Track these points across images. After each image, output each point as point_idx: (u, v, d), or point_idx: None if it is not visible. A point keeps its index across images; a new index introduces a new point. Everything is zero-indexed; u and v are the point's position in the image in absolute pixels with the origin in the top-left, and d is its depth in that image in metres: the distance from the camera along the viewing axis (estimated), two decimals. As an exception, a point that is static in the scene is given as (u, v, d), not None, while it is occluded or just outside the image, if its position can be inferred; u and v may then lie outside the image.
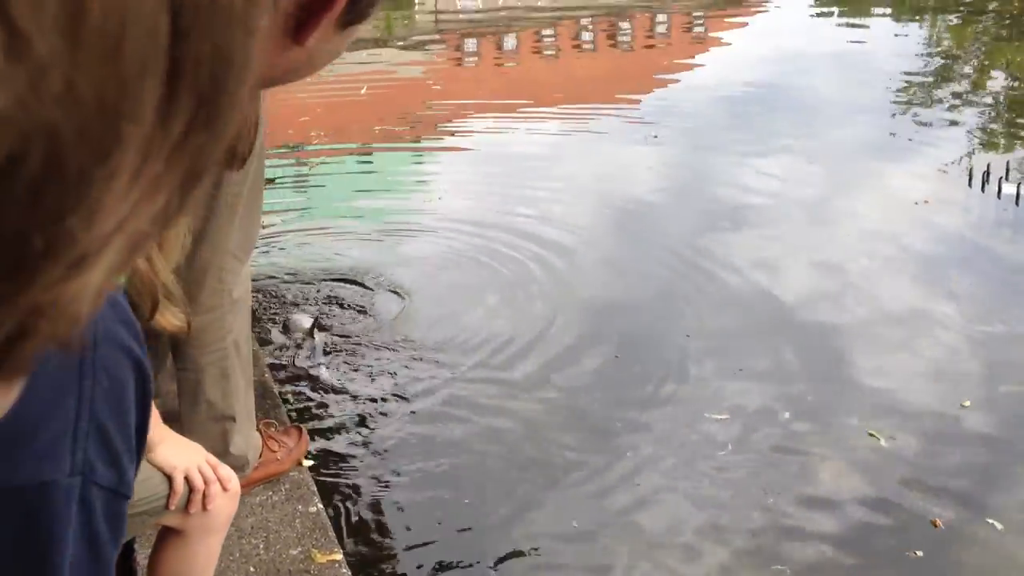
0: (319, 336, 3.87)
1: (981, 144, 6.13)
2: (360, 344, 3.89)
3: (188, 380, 2.40)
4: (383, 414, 3.42)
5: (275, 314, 4.10)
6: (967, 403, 3.44)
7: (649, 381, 3.64)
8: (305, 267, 4.57)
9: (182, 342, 2.35)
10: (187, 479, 1.70)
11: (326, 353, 3.79)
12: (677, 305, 4.21)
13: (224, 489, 1.74)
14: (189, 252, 2.21)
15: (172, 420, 2.46)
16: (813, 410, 3.43)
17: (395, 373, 3.69)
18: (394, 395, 3.54)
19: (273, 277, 4.46)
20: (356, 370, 3.69)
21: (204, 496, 1.71)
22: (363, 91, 7.86)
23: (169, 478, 1.69)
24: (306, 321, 3.92)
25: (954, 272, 4.43)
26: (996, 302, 4.16)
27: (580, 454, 3.21)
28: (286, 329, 3.95)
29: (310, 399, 3.50)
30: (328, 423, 3.35)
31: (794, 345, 3.84)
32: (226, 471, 1.78)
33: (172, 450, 1.71)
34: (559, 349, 3.88)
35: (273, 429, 2.66)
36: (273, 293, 4.29)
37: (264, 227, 4.36)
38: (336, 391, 3.53)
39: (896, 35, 9.68)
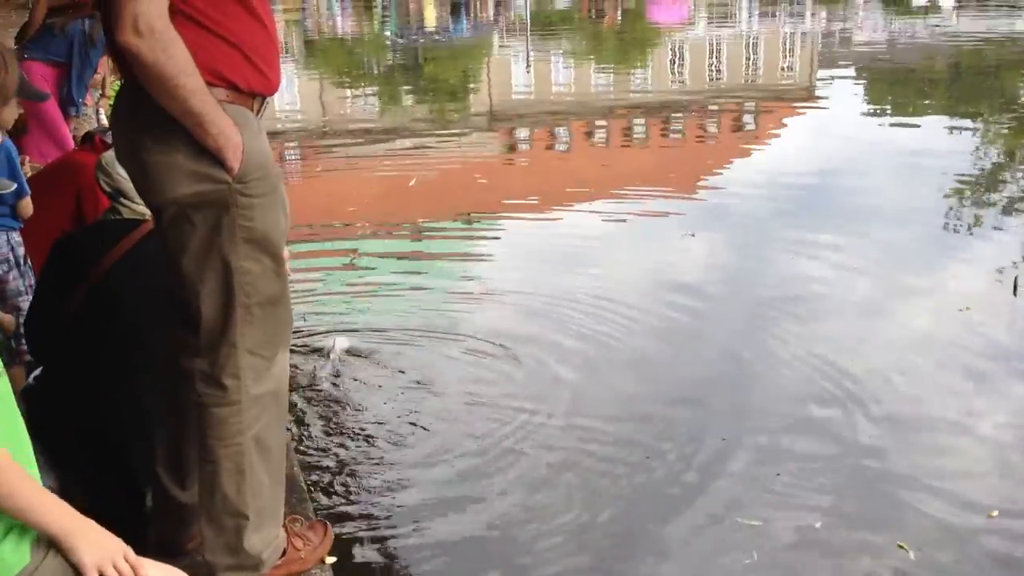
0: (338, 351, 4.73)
1: (1029, 252, 6.08)
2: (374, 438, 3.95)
3: (206, 471, 2.38)
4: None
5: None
6: (995, 513, 3.41)
7: (679, 482, 3.65)
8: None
9: (205, 433, 2.35)
10: None
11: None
12: (713, 405, 4.22)
13: None
14: (212, 341, 2.30)
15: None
16: (845, 519, 3.40)
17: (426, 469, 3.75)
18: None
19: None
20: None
21: None
22: (412, 183, 8.04)
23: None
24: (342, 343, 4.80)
25: (990, 382, 4.38)
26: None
27: (604, 559, 3.21)
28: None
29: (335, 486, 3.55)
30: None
31: (832, 451, 3.82)
32: (158, 571, 1.68)
33: (85, 542, 1.63)
34: (587, 443, 3.92)
35: (298, 525, 2.68)
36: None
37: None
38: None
39: (949, 135, 9.67)
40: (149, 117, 2.16)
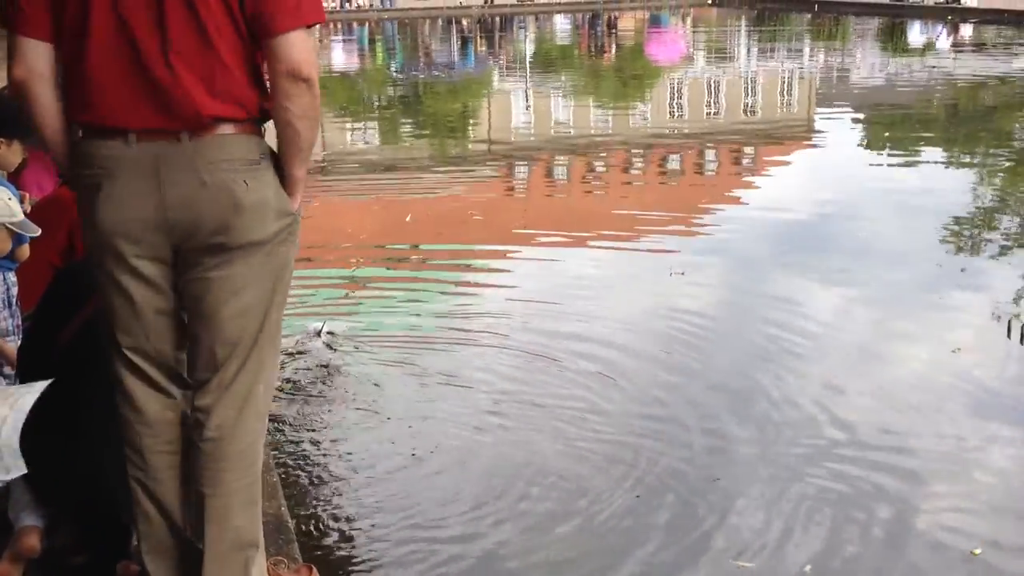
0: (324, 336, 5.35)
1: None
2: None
3: (216, 506, 2.33)
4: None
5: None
6: (978, 551, 3.44)
7: (669, 522, 3.65)
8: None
9: (213, 468, 2.33)
10: None
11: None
12: (705, 446, 4.22)
13: None
14: (231, 380, 2.31)
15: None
16: (836, 562, 3.41)
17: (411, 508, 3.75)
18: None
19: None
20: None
21: None
22: (408, 219, 8.09)
23: None
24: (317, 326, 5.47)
25: (979, 424, 4.38)
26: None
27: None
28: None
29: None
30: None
31: (820, 493, 3.82)
32: None
33: None
34: (575, 484, 3.91)
35: (283, 567, 2.68)
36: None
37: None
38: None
39: (945, 175, 9.72)
40: (241, 158, 2.20)
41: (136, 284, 2.24)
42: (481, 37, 28.13)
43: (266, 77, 2.23)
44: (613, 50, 24.64)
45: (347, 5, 33.38)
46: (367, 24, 31.62)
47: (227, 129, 2.18)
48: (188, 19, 2.11)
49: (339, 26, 30.95)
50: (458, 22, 31.84)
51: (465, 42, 27.02)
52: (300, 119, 2.20)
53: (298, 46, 2.14)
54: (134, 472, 2.38)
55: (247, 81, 2.19)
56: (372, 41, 27.80)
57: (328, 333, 5.47)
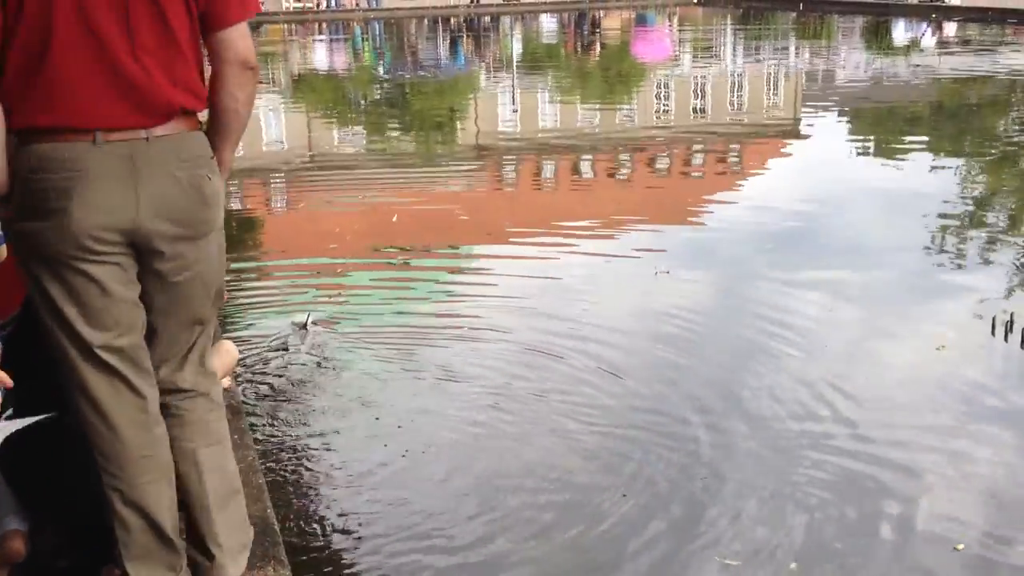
0: (311, 329, 5.47)
1: (1009, 291, 6.12)
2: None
3: (214, 455, 2.49)
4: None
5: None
6: (960, 547, 3.48)
7: (659, 517, 3.67)
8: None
9: (202, 422, 2.48)
10: None
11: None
12: (693, 443, 4.24)
13: None
14: (191, 348, 2.45)
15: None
16: (820, 558, 3.43)
17: (401, 508, 3.74)
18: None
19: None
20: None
21: None
22: (395, 219, 8.08)
23: None
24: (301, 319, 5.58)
25: (963, 421, 4.41)
26: (1008, 454, 4.13)
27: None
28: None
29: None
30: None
31: (806, 489, 3.85)
32: None
33: None
34: (565, 481, 3.93)
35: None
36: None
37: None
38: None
39: (931, 173, 9.75)
40: (203, 154, 2.31)
41: (111, 277, 2.25)
42: (468, 37, 28.11)
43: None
44: (599, 49, 24.65)
45: (332, 4, 33.32)
46: (353, 23, 31.54)
47: (183, 125, 2.25)
48: (153, 14, 2.16)
49: (325, 26, 30.88)
50: (445, 21, 31.81)
51: (452, 42, 27.01)
52: (244, 106, 2.34)
53: (246, 37, 2.29)
54: (110, 481, 2.36)
55: (199, 73, 2.28)
56: (359, 40, 27.73)
57: (313, 323, 5.56)
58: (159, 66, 2.18)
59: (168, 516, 2.42)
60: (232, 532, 2.52)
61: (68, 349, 2.28)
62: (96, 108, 2.15)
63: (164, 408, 2.43)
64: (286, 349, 5.28)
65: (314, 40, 28.04)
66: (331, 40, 27.81)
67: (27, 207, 2.19)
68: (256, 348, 5.33)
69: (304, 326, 5.54)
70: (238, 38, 2.26)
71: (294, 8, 33.73)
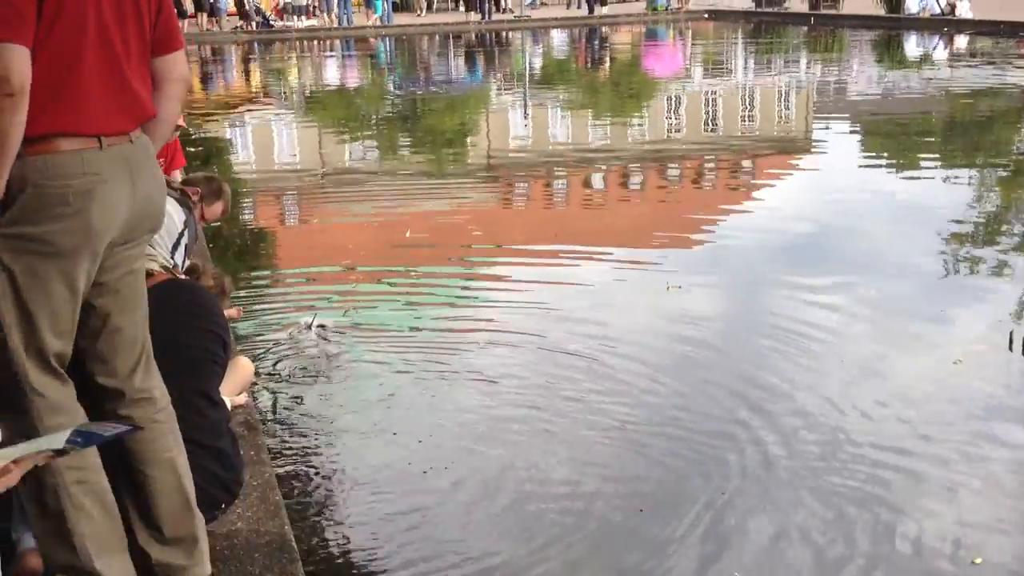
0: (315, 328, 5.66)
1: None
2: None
3: (185, 463, 2.67)
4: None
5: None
6: (978, 560, 3.46)
7: (675, 535, 3.65)
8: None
9: (173, 431, 2.63)
10: None
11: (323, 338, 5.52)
12: (712, 460, 4.22)
13: None
14: (147, 351, 2.58)
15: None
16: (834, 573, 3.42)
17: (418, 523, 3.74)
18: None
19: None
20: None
21: None
22: (408, 234, 8.09)
23: None
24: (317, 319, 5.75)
25: (981, 434, 4.39)
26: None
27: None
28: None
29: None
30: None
31: (822, 500, 3.84)
32: None
33: None
34: (581, 493, 3.94)
35: None
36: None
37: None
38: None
39: (944, 186, 9.72)
40: (153, 151, 2.54)
41: (85, 281, 2.36)
42: (479, 52, 28.19)
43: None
44: (610, 64, 24.69)
45: (344, 22, 33.44)
46: (373, 40, 31.68)
47: (141, 129, 2.47)
48: (140, 30, 2.42)
49: (337, 43, 31.02)
50: (456, 38, 31.92)
51: (463, 57, 27.08)
52: (177, 116, 2.77)
53: (185, 59, 2.67)
54: (73, 475, 2.39)
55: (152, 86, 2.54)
56: (381, 56, 27.86)
57: (319, 326, 5.68)
58: (142, 77, 2.46)
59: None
60: (202, 532, 2.71)
61: (22, 354, 2.31)
62: (105, 115, 2.33)
63: (127, 419, 2.49)
64: (295, 351, 5.37)
65: (326, 56, 28.15)
66: (343, 56, 27.91)
67: (35, 211, 2.24)
68: (270, 360, 5.34)
69: (309, 327, 5.66)
70: (183, 59, 2.63)
71: (306, 25, 33.88)
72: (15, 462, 1.63)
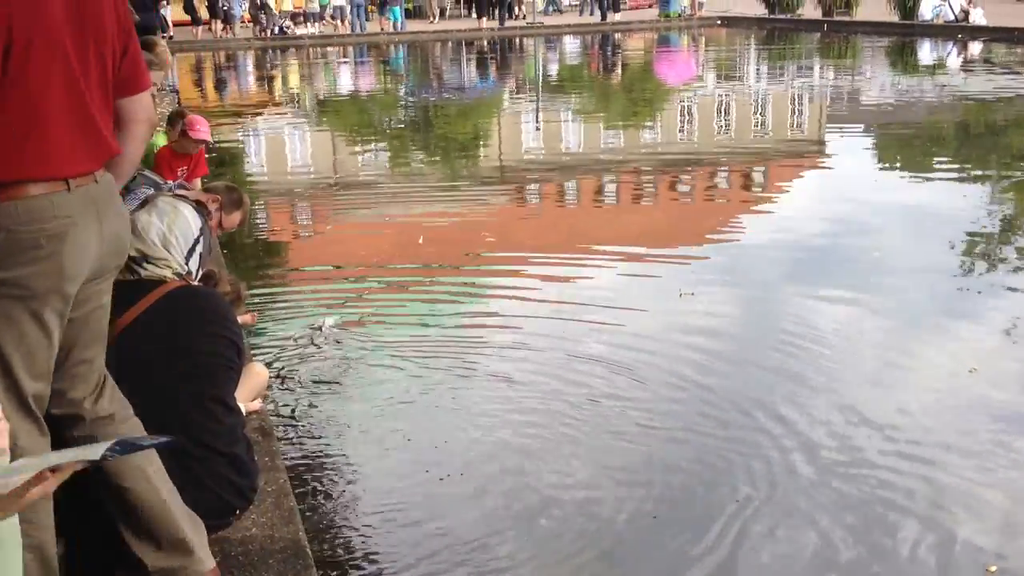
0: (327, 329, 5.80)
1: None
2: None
3: (158, 469, 2.68)
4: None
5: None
6: (993, 568, 3.47)
7: (688, 545, 3.64)
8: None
9: None
10: None
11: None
12: (726, 467, 4.22)
13: None
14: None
15: None
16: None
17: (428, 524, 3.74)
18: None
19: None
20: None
21: None
22: (420, 240, 8.11)
23: None
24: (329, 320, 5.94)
25: (997, 443, 4.37)
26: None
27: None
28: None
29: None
30: None
31: (845, 515, 3.83)
32: None
33: None
34: (593, 500, 3.94)
35: None
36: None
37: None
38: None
39: (958, 193, 9.68)
40: (116, 188, 2.58)
41: (57, 324, 2.36)
42: (492, 59, 28.24)
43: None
44: (622, 70, 24.69)
45: (358, 29, 33.52)
46: (389, 46, 31.75)
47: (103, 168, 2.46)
48: (102, 72, 2.42)
49: (350, 50, 31.10)
50: (469, 44, 31.97)
51: (476, 64, 27.13)
52: (140, 156, 2.76)
53: (151, 100, 2.70)
54: (30, 538, 2.32)
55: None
56: (399, 63, 27.93)
57: (333, 327, 5.82)
58: (105, 116, 2.46)
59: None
60: (195, 529, 2.75)
61: (0, 396, 2.32)
62: (72, 157, 2.33)
63: (90, 439, 2.51)
64: (309, 355, 5.42)
65: (339, 63, 28.24)
66: (357, 63, 27.98)
67: (8, 256, 2.25)
68: (284, 365, 5.36)
69: (320, 328, 5.78)
70: (148, 100, 2.65)
71: (320, 32, 33.98)
72: (52, 470, 1.64)
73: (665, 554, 3.60)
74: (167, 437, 2.16)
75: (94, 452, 1.68)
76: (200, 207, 4.28)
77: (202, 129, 6.51)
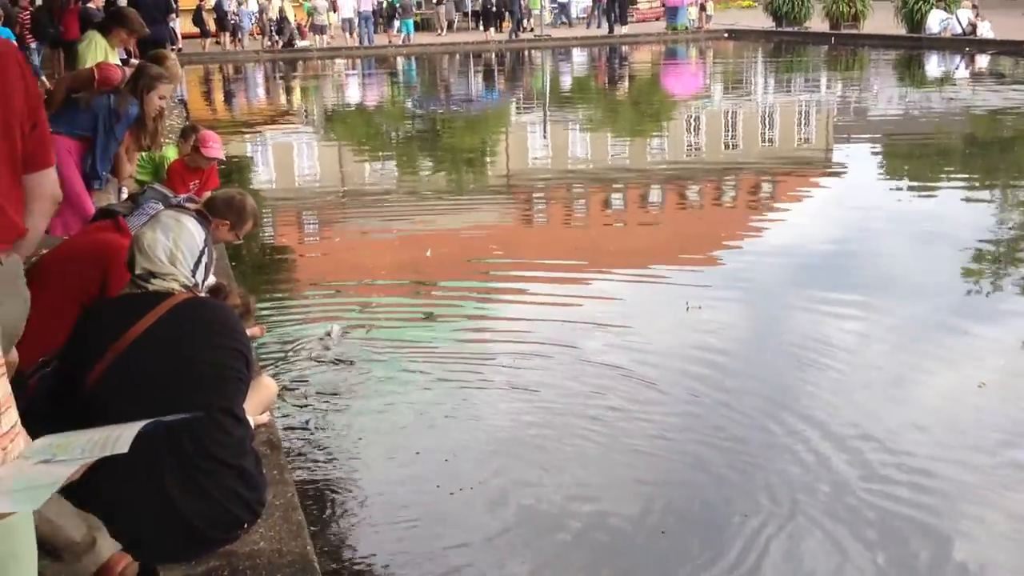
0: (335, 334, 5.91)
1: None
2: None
3: None
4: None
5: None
6: None
7: (706, 562, 3.62)
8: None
9: None
10: None
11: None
12: (731, 482, 4.20)
13: None
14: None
15: None
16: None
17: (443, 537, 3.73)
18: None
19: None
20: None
21: None
22: (428, 253, 8.11)
23: None
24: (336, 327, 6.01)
25: (1005, 461, 4.36)
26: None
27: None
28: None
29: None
30: None
31: (848, 528, 3.81)
32: None
33: None
34: (608, 513, 3.92)
35: None
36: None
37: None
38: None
39: (966, 206, 9.67)
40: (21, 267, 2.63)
41: None
42: (500, 72, 28.29)
43: None
44: (630, 83, 24.71)
45: (366, 41, 33.62)
46: (396, 58, 31.83)
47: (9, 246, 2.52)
48: (10, 150, 2.47)
49: (359, 62, 31.18)
50: (477, 57, 32.03)
51: (484, 76, 27.19)
52: (42, 232, 2.76)
53: (55, 176, 2.70)
54: None
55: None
56: (412, 75, 28.02)
57: (342, 334, 5.91)
58: (12, 197, 2.49)
59: None
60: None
61: None
62: None
63: None
64: (317, 367, 5.44)
65: (348, 75, 28.32)
66: (364, 75, 28.05)
67: None
68: (293, 378, 5.35)
69: (329, 334, 5.90)
70: (52, 176, 2.66)
71: (328, 45, 34.08)
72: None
73: (682, 572, 3.57)
74: (187, 414, 2.18)
75: (127, 434, 1.60)
76: (202, 217, 4.28)
77: (215, 146, 6.53)
